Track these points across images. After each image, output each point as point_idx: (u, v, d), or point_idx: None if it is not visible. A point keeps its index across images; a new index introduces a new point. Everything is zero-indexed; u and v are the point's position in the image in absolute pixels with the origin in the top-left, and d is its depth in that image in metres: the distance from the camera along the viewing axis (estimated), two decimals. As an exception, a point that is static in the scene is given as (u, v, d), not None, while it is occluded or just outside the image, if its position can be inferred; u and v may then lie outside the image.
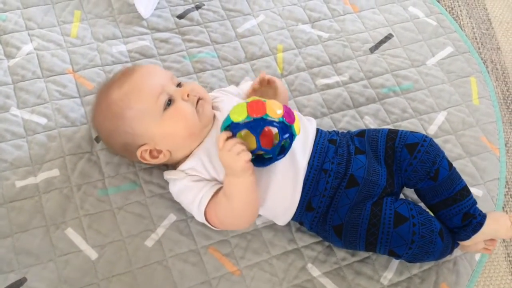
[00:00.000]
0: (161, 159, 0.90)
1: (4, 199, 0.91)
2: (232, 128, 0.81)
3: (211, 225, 0.88)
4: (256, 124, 0.79)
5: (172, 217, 0.93)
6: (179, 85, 0.91)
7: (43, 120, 1.00)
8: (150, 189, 0.95)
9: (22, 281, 0.85)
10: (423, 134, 0.92)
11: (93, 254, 0.89)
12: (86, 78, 1.06)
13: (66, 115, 1.01)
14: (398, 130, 0.92)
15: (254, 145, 0.80)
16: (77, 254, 0.88)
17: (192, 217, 0.93)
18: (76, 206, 0.92)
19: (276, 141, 0.82)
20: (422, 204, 0.96)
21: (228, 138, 0.81)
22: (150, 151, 0.89)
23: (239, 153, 0.79)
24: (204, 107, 0.89)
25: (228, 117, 0.81)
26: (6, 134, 0.98)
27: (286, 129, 0.80)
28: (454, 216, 0.88)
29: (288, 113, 0.81)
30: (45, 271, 0.86)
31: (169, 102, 0.87)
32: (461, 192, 0.89)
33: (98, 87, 1.02)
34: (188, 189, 0.87)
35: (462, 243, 0.91)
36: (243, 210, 0.85)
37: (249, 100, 0.82)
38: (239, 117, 0.80)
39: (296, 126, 0.82)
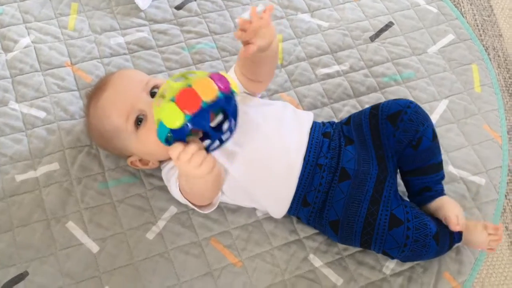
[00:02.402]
0: (152, 166, 0.91)
1: (4, 193, 0.91)
2: (175, 135, 0.69)
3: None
4: (200, 119, 0.68)
5: (173, 210, 0.93)
6: (155, 88, 0.86)
7: (42, 114, 0.99)
8: (150, 181, 0.95)
9: (24, 275, 0.85)
10: (408, 100, 0.90)
11: (94, 247, 0.89)
12: (84, 71, 1.05)
13: (65, 108, 1.00)
14: (380, 104, 0.91)
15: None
16: (78, 248, 0.88)
17: (194, 209, 0.92)
18: (77, 200, 0.92)
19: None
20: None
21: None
22: (140, 159, 0.90)
23: (200, 164, 0.71)
24: None
25: (161, 125, 0.68)
26: (5, 128, 0.97)
27: (230, 100, 0.70)
28: (415, 186, 0.91)
29: (220, 80, 0.69)
30: (46, 265, 0.86)
31: (141, 119, 0.84)
32: (433, 166, 0.90)
33: (95, 82, 1.00)
34: (173, 167, 0.87)
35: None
36: (208, 192, 0.83)
37: (171, 91, 0.68)
38: (176, 121, 0.67)
39: (234, 87, 0.71)
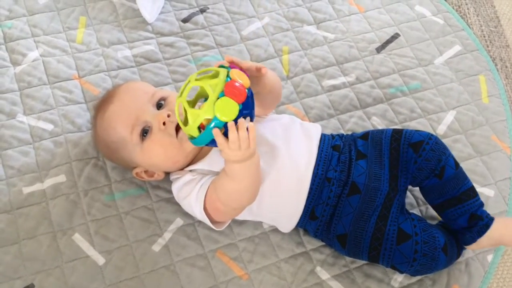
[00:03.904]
0: (157, 177, 0.91)
1: (11, 206, 0.91)
2: (226, 128, 0.74)
3: (210, 213, 0.85)
4: (247, 104, 0.74)
5: (179, 222, 0.93)
6: (162, 100, 0.88)
7: (49, 126, 1.00)
8: (156, 193, 0.95)
9: (30, 287, 0.85)
10: (429, 133, 0.90)
11: (100, 260, 0.88)
12: (91, 84, 1.06)
13: (72, 120, 1.01)
14: (402, 130, 0.90)
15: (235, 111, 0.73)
16: (84, 260, 0.88)
17: (200, 221, 0.92)
18: (83, 212, 0.92)
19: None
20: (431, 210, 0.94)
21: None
22: (145, 171, 0.90)
23: (248, 145, 0.74)
24: None
25: (217, 120, 0.72)
26: (13, 140, 0.98)
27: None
28: (459, 216, 0.87)
29: (240, 68, 0.78)
30: (52, 277, 0.86)
31: (147, 131, 0.85)
32: (467, 192, 0.87)
33: (101, 95, 1.01)
34: (188, 182, 0.86)
35: (467, 247, 0.89)
36: (253, 187, 0.81)
37: (215, 88, 0.73)
38: (233, 113, 0.72)
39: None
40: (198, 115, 0.74)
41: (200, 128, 0.75)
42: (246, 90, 0.74)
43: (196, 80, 0.76)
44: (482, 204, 0.88)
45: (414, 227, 0.84)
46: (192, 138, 0.77)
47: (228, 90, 0.72)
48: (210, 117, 0.73)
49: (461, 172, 0.89)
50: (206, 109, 0.73)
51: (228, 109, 0.72)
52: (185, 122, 0.77)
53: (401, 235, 0.83)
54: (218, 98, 0.72)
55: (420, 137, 0.88)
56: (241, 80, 0.74)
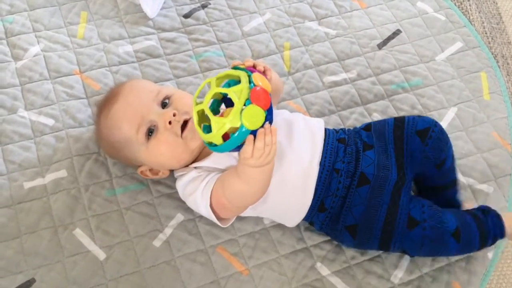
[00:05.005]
0: (162, 175, 0.91)
1: (12, 201, 0.92)
2: (253, 133, 0.73)
3: (216, 209, 0.85)
4: (271, 111, 0.72)
5: (180, 217, 0.93)
6: (166, 99, 0.88)
7: (50, 121, 1.00)
8: (157, 189, 0.95)
9: (31, 282, 0.85)
10: (432, 119, 0.90)
11: (101, 255, 0.89)
12: (93, 79, 1.06)
13: (74, 116, 1.01)
14: (404, 117, 0.90)
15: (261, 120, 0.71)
16: (85, 255, 0.88)
17: (200, 217, 0.92)
18: (84, 207, 0.92)
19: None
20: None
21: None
22: (150, 169, 0.90)
23: (269, 152, 0.74)
24: (193, 131, 0.84)
25: (244, 129, 0.71)
26: (14, 135, 0.98)
27: None
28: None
29: (261, 72, 0.77)
30: (53, 272, 0.86)
31: (152, 130, 0.85)
32: (453, 181, 0.93)
33: (104, 90, 1.02)
34: (193, 179, 0.86)
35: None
36: (262, 190, 0.82)
37: (241, 95, 0.71)
38: (260, 120, 0.71)
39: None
40: (224, 124, 0.71)
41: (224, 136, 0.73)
42: (269, 96, 0.72)
43: (217, 80, 0.75)
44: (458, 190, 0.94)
45: (422, 213, 0.85)
46: (211, 145, 0.75)
47: (254, 97, 0.70)
48: (237, 126, 0.71)
49: (454, 163, 0.93)
50: (233, 118, 0.70)
51: (255, 117, 0.70)
52: (200, 123, 0.75)
53: (410, 221, 0.84)
54: (244, 106, 0.70)
55: (425, 123, 0.89)
56: (264, 85, 0.72)
